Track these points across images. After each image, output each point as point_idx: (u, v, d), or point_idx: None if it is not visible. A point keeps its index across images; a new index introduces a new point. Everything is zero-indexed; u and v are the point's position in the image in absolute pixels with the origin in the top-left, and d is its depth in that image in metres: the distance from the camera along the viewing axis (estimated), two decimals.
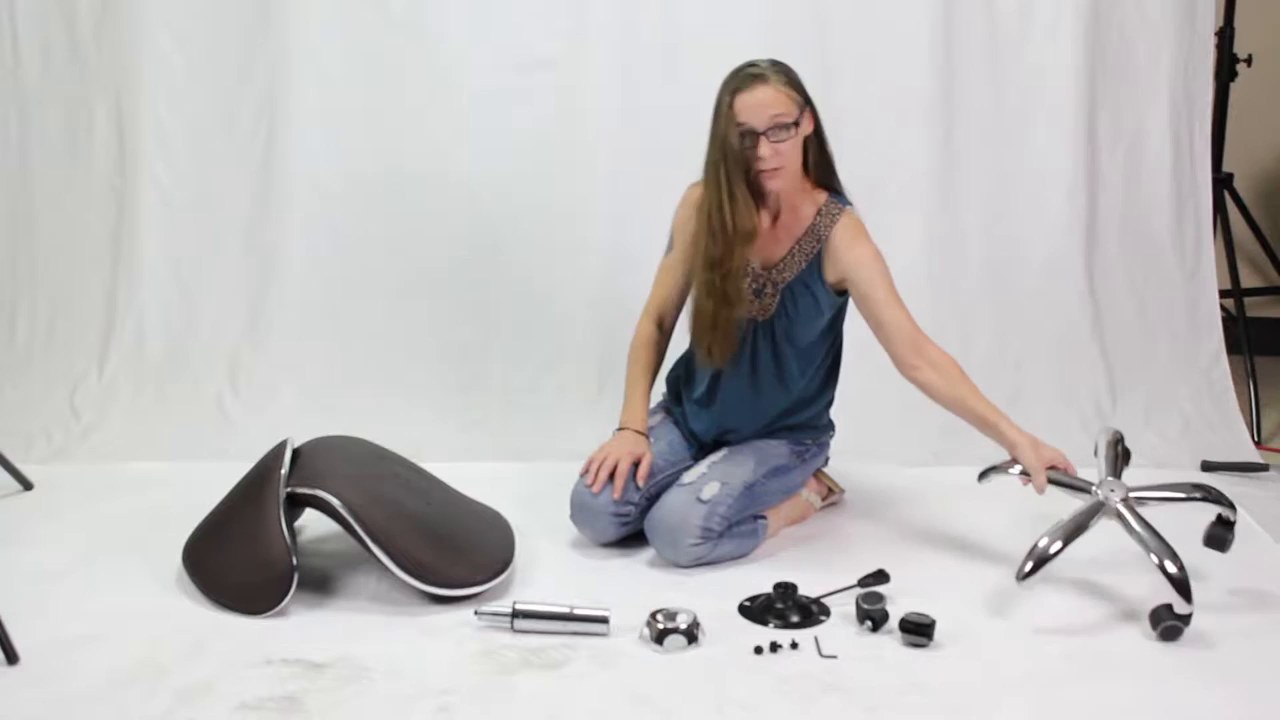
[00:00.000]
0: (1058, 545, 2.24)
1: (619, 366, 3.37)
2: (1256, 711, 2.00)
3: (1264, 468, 3.11)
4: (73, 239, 3.59)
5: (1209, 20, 3.48)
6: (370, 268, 3.53)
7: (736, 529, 2.53)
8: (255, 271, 3.55)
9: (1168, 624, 2.17)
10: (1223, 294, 3.59)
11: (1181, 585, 2.17)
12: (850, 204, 2.58)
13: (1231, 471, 3.10)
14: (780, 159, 2.42)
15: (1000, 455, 2.49)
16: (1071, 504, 2.36)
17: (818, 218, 2.53)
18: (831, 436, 2.76)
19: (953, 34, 3.42)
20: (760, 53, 3.44)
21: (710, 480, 2.53)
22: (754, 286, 2.56)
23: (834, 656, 2.14)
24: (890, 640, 2.20)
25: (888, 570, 2.40)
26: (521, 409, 3.38)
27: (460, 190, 3.51)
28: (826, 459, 2.77)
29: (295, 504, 2.39)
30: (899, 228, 3.45)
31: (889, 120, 3.46)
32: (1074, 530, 2.28)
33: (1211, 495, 2.42)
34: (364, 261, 3.54)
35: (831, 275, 2.54)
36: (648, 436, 2.63)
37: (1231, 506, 2.40)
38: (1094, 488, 2.37)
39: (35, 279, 3.61)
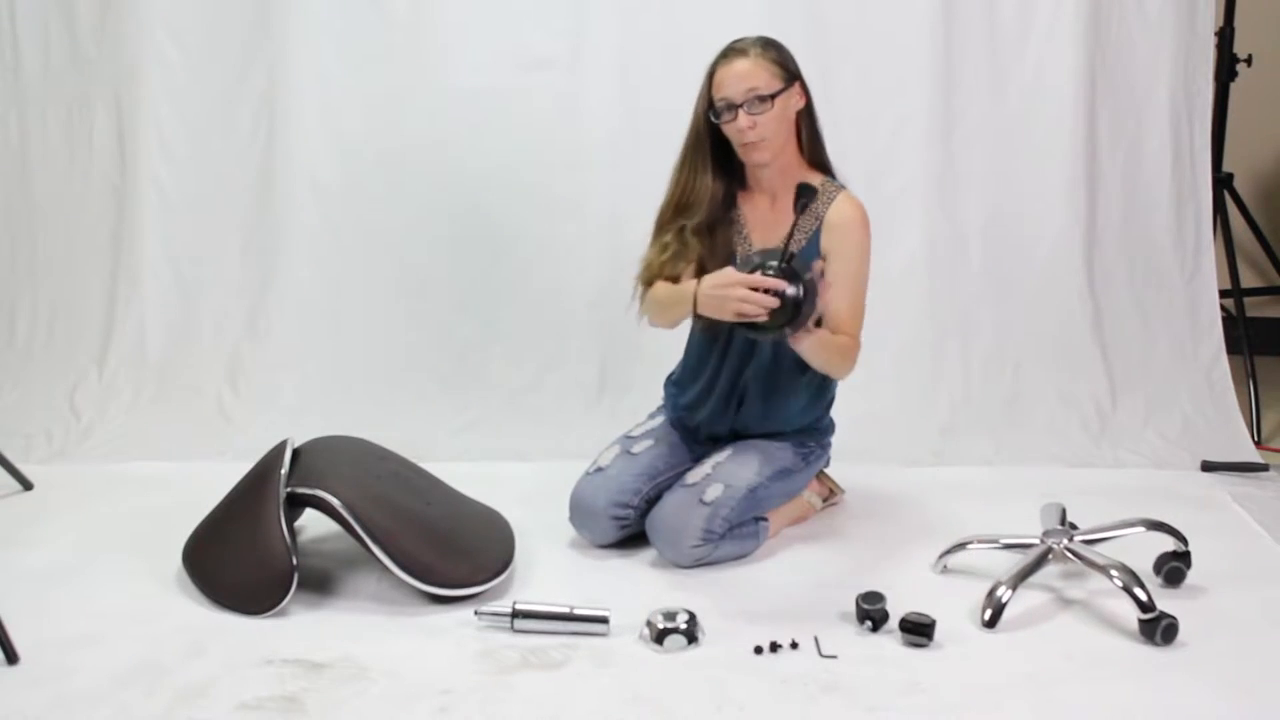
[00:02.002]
0: (1010, 593, 2.27)
1: (619, 366, 3.39)
2: (1256, 712, 2.00)
3: (1264, 468, 3.11)
4: (73, 239, 3.59)
5: (1209, 20, 3.48)
6: (370, 267, 3.54)
7: (737, 530, 2.53)
8: (255, 271, 3.55)
9: (1166, 624, 2.17)
10: (1223, 294, 3.59)
11: (1132, 592, 2.20)
12: (844, 186, 2.58)
13: (1231, 471, 3.10)
14: (759, 131, 2.44)
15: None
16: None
17: (818, 196, 2.48)
18: (832, 433, 2.76)
19: (953, 34, 3.42)
20: None
21: (714, 482, 2.52)
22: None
23: (834, 656, 2.14)
24: (890, 640, 2.20)
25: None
26: (521, 409, 3.38)
27: (460, 190, 3.51)
28: (828, 460, 2.76)
29: (295, 504, 2.39)
30: (899, 228, 3.46)
31: (889, 120, 3.46)
32: (1023, 575, 2.32)
33: (1162, 527, 2.45)
34: (364, 261, 3.54)
35: (825, 246, 2.52)
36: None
37: (1183, 539, 2.43)
38: (1039, 539, 2.42)
39: (35, 279, 3.62)
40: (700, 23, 3.43)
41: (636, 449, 2.64)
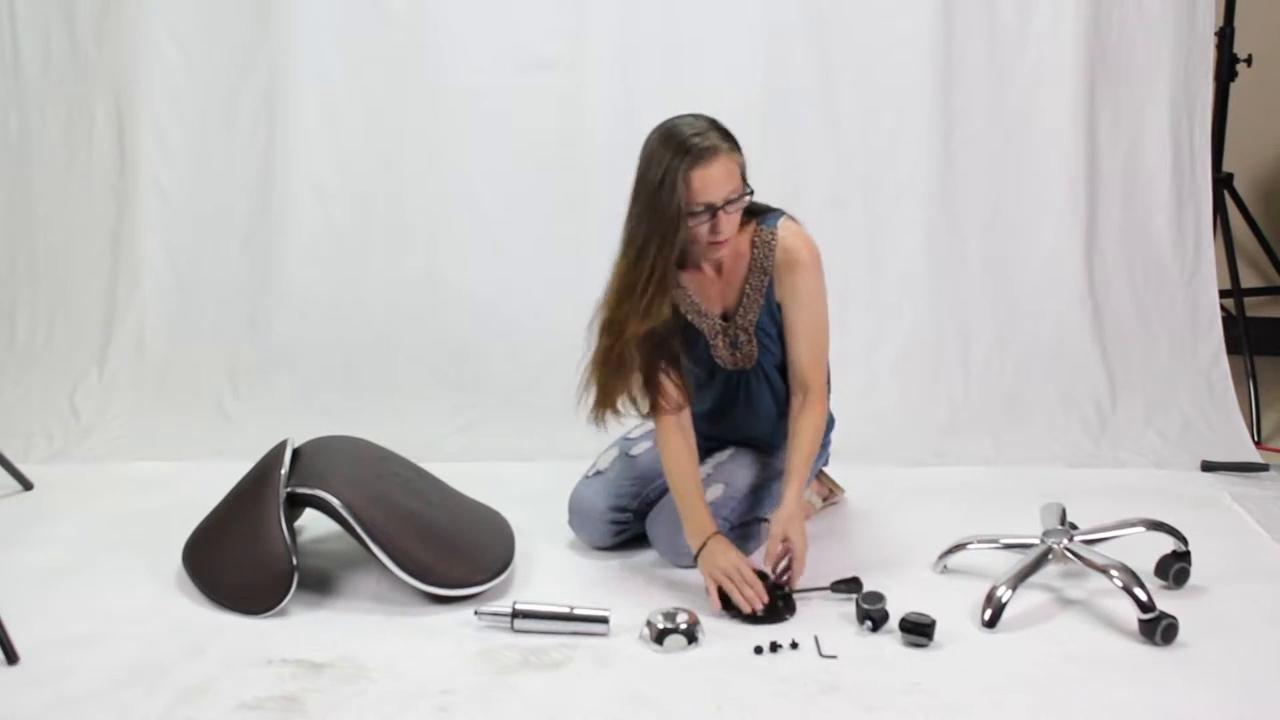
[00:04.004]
0: (1010, 593, 2.27)
1: None
2: (1255, 712, 2.00)
3: (1264, 468, 3.10)
4: (73, 239, 3.60)
5: (1209, 20, 3.48)
6: (370, 268, 3.54)
7: (737, 531, 2.53)
8: (255, 271, 3.55)
9: (1166, 624, 2.17)
10: (1223, 294, 3.59)
11: (1132, 592, 2.20)
12: (773, 211, 2.43)
13: (1231, 471, 3.09)
14: (729, 228, 2.30)
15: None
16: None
17: (754, 250, 2.41)
18: (832, 430, 2.75)
19: (953, 34, 3.42)
20: (760, 54, 3.48)
21: (714, 483, 2.52)
22: (727, 340, 2.49)
23: (834, 656, 2.14)
24: (890, 640, 2.20)
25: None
26: (521, 409, 3.38)
27: (460, 190, 3.51)
28: (827, 459, 2.76)
29: (295, 504, 2.40)
30: (899, 228, 3.47)
31: (889, 120, 3.46)
32: (1023, 575, 2.32)
33: (1162, 527, 2.45)
34: (364, 261, 3.54)
35: (778, 296, 2.45)
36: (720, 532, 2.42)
37: (1183, 539, 2.43)
38: (1039, 539, 2.42)
39: (35, 279, 3.62)
40: (700, 23, 3.44)
41: (635, 451, 2.64)
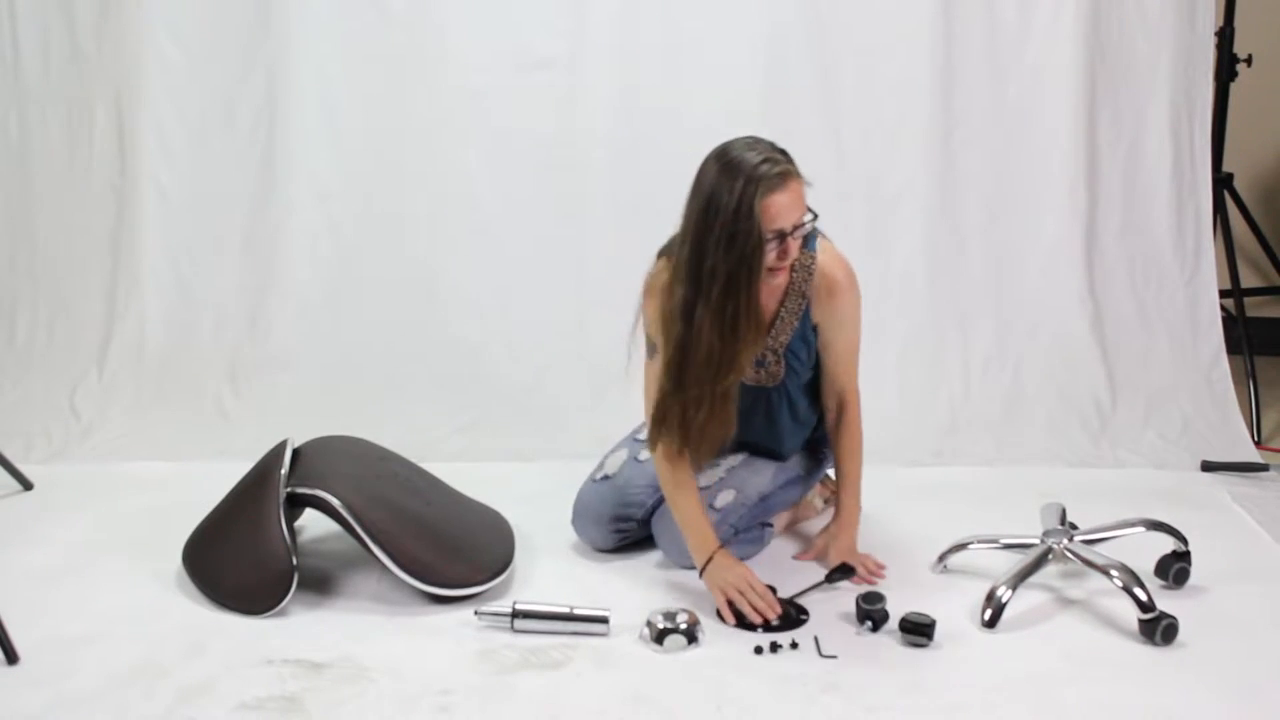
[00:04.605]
0: (1010, 593, 2.28)
1: (619, 366, 3.37)
2: (1255, 712, 2.00)
3: (1264, 468, 3.10)
4: (73, 239, 3.60)
5: (1209, 20, 3.48)
6: (370, 268, 3.54)
7: (744, 535, 2.52)
8: (255, 271, 3.55)
9: (1166, 624, 2.17)
10: (1223, 294, 3.59)
11: (1132, 592, 2.20)
12: (814, 233, 2.39)
13: (1231, 471, 3.09)
14: (796, 252, 2.25)
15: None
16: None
17: (793, 274, 2.37)
18: None
19: (953, 34, 3.42)
20: (760, 54, 3.48)
21: (726, 488, 2.50)
22: (754, 358, 2.43)
23: (834, 656, 2.14)
24: (890, 640, 2.20)
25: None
26: (521, 409, 3.38)
27: (460, 190, 3.51)
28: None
29: (295, 504, 2.39)
30: (899, 228, 3.47)
31: (889, 120, 3.46)
32: (1023, 575, 2.32)
33: (1162, 527, 2.45)
34: (364, 261, 3.54)
35: (816, 318, 2.45)
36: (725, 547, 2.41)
37: (1183, 539, 2.43)
38: (1039, 539, 2.43)
39: (35, 279, 3.62)
40: (700, 23, 3.44)
41: (644, 455, 2.58)
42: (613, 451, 2.64)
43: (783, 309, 2.40)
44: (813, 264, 2.38)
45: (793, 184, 2.18)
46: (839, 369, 2.48)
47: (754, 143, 2.21)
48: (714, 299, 2.18)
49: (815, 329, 2.44)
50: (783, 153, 2.22)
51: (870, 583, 2.40)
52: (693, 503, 2.39)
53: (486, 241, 3.51)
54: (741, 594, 2.28)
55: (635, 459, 2.60)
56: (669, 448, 2.35)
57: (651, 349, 2.40)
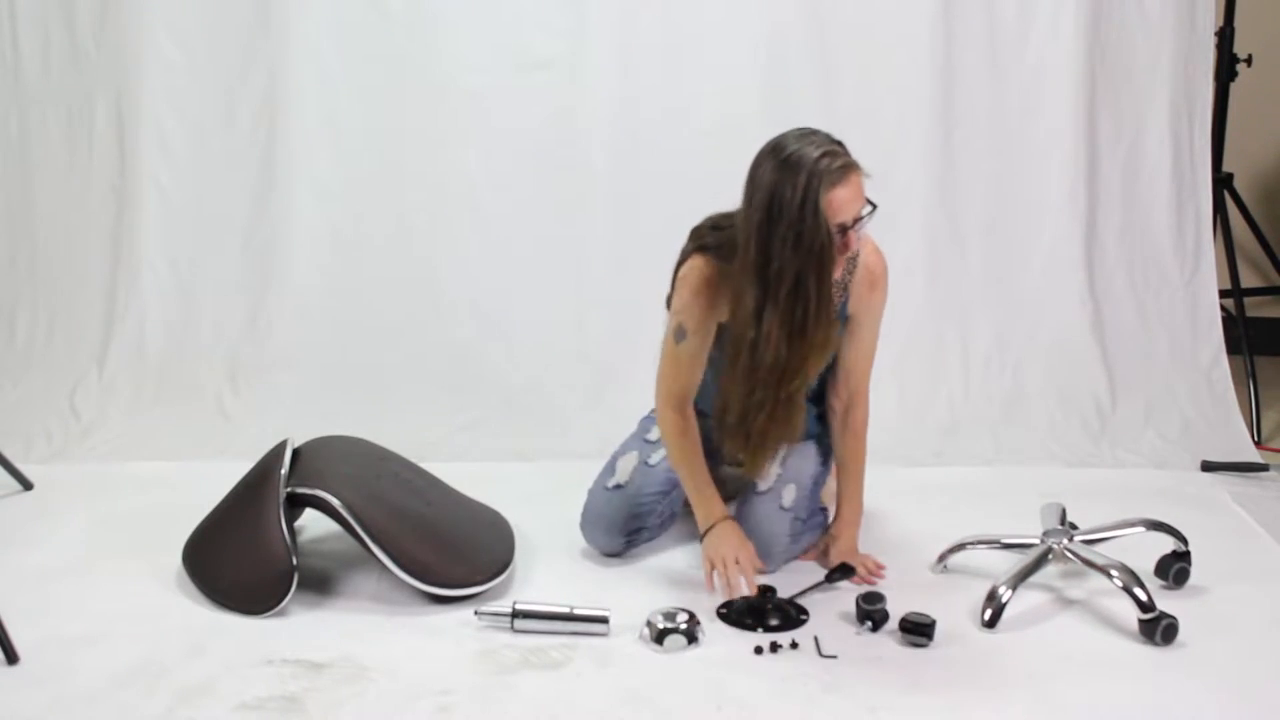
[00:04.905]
0: (1010, 593, 2.28)
1: (619, 367, 3.37)
2: (1255, 712, 2.00)
3: (1264, 468, 3.11)
4: (73, 239, 3.59)
5: (1209, 20, 3.48)
6: (370, 268, 3.54)
7: (811, 520, 2.54)
8: (255, 271, 3.55)
9: (1166, 624, 2.17)
10: (1223, 294, 3.59)
11: (1132, 592, 2.21)
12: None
13: (1231, 471, 3.10)
14: (856, 244, 2.19)
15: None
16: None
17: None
18: None
19: (953, 34, 3.42)
20: (760, 54, 3.48)
21: (786, 483, 2.49)
22: (820, 367, 2.38)
23: (834, 656, 2.14)
24: (890, 640, 2.20)
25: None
26: (521, 409, 3.38)
27: (460, 190, 3.51)
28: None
29: (295, 504, 2.39)
30: (899, 227, 3.46)
31: (889, 120, 3.46)
32: (1023, 575, 2.32)
33: (1162, 527, 2.45)
34: (364, 261, 3.54)
35: (851, 310, 2.42)
36: (735, 519, 2.43)
37: (1183, 539, 2.43)
38: (1039, 539, 2.43)
39: (35, 279, 3.61)
40: (700, 22, 3.44)
41: (654, 459, 2.56)
42: (622, 455, 2.60)
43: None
44: (856, 256, 2.32)
45: (853, 176, 2.14)
46: (860, 363, 2.46)
47: (808, 134, 2.17)
48: (782, 300, 2.14)
49: (845, 321, 2.40)
50: (839, 143, 2.18)
51: (870, 583, 2.41)
52: (701, 469, 2.41)
53: (486, 241, 3.51)
54: (725, 566, 2.31)
55: (646, 463, 2.57)
56: (672, 419, 2.39)
57: (681, 334, 2.36)
